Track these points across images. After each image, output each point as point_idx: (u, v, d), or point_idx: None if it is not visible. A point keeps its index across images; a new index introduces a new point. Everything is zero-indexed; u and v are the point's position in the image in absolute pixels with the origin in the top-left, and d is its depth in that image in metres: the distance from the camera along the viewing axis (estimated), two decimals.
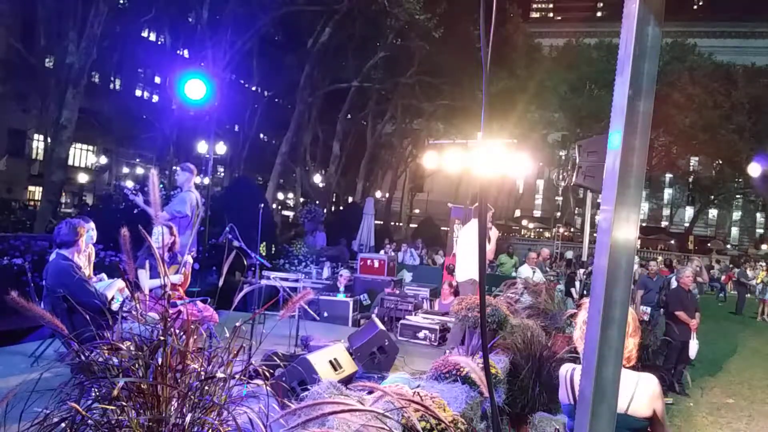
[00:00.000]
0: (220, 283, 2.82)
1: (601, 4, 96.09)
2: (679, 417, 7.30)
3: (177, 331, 2.39)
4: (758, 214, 63.03)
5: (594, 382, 1.50)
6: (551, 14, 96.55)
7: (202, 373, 2.36)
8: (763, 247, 53.93)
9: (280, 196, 40.71)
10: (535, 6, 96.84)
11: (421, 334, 8.12)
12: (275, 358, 4.39)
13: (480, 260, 1.85)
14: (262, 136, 37.16)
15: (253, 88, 32.79)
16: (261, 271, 7.20)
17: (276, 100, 32.26)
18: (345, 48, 25.69)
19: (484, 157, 5.95)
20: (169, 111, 22.66)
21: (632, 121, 1.49)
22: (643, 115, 1.50)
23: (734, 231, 67.34)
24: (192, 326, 2.41)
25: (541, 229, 60.00)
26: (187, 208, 6.82)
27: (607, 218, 1.51)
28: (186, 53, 25.65)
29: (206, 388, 2.37)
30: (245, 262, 7.45)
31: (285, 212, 40.05)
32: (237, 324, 2.57)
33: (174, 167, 16.53)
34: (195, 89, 8.76)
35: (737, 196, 54.78)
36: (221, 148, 24.31)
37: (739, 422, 7.32)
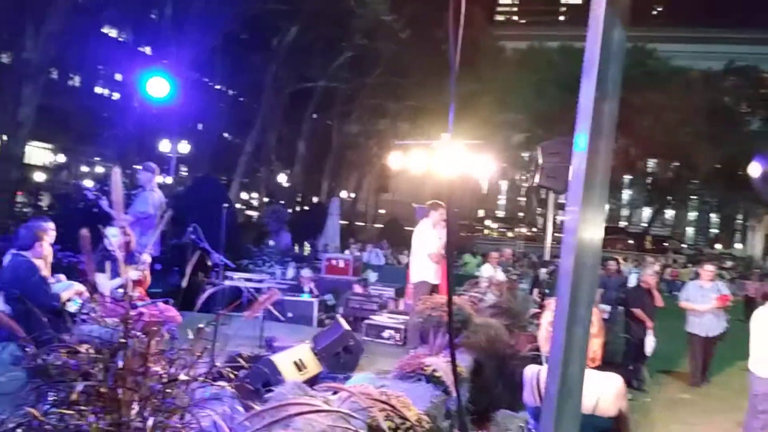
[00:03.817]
0: (184, 283, 2.77)
1: (564, 9, 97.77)
2: (637, 412, 7.45)
3: (138, 333, 2.34)
4: (712, 215, 64.87)
5: (559, 380, 1.52)
6: (515, 17, 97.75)
7: (164, 375, 2.32)
8: (717, 246, 55.60)
9: (245, 195, 40.30)
10: (499, 9, 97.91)
11: (386, 334, 8.12)
12: (239, 360, 4.34)
13: (448, 261, 1.85)
14: (226, 135, 36.70)
15: (218, 87, 32.38)
16: (225, 272, 7.12)
17: (241, 99, 31.96)
18: (311, 48, 25.58)
19: (450, 158, 6.00)
20: (131, 109, 22.22)
21: (598, 123, 1.51)
22: (608, 118, 1.52)
23: (690, 231, 69.27)
24: (154, 328, 2.36)
25: (504, 229, 60.67)
26: (150, 207, 6.70)
27: (573, 219, 1.53)
28: (149, 50, 25.19)
29: (168, 390, 2.32)
30: (209, 263, 7.35)
31: (249, 212, 39.63)
32: (200, 325, 2.53)
33: (135, 166, 16.22)
34: (158, 87, 8.63)
35: (693, 197, 56.36)
36: (184, 147, 23.90)
37: (695, 417, 7.52)
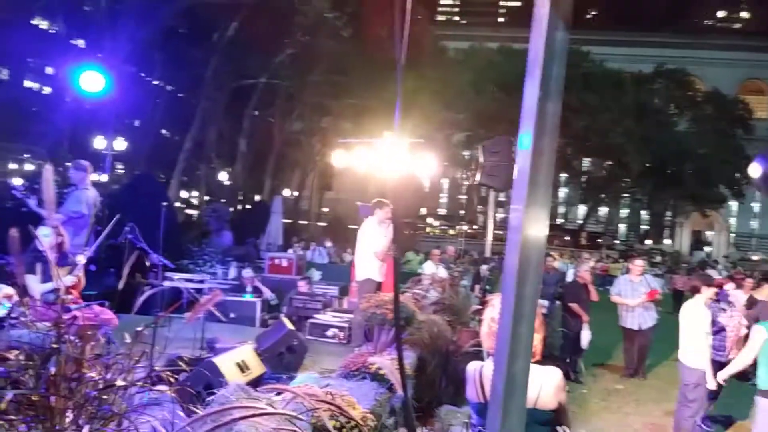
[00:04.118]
0: (120, 285, 2.68)
1: (504, 11, 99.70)
2: (574, 404, 7.68)
3: (72, 337, 2.25)
4: (643, 212, 67.54)
5: (505, 377, 1.54)
6: (456, 18, 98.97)
7: (100, 381, 2.24)
8: (647, 242, 57.96)
9: (184, 194, 39.35)
10: (440, 9, 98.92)
11: (330, 333, 8.09)
12: (179, 363, 4.24)
13: (395, 259, 1.85)
14: (164, 131, 35.70)
15: (156, 82, 31.45)
16: (164, 273, 6.92)
17: (179, 94, 31.12)
18: (252, 43, 25.16)
19: (393, 156, 6.02)
20: (63, 104, 21.31)
21: (542, 122, 1.53)
22: (551, 117, 1.55)
23: (622, 227, 71.94)
24: (88, 332, 2.27)
25: (446, 227, 61.42)
26: (83, 206, 6.45)
27: (518, 217, 1.55)
28: (82, 43, 24.22)
29: (105, 397, 2.24)
30: (147, 263, 7.13)
31: (189, 211, 38.73)
32: (138, 328, 2.45)
33: (68, 164, 15.58)
34: (91, 81, 8.31)
35: (625, 195, 58.55)
36: (120, 144, 23.13)
37: (628, 406, 7.81)
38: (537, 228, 1.56)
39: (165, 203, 8.67)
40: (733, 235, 69.19)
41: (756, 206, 71.23)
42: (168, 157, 28.56)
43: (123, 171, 33.25)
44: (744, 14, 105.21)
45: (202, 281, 8.34)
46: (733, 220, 69.64)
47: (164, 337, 4.19)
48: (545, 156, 1.56)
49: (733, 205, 62.54)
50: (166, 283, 6.75)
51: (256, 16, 23.05)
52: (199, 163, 29.16)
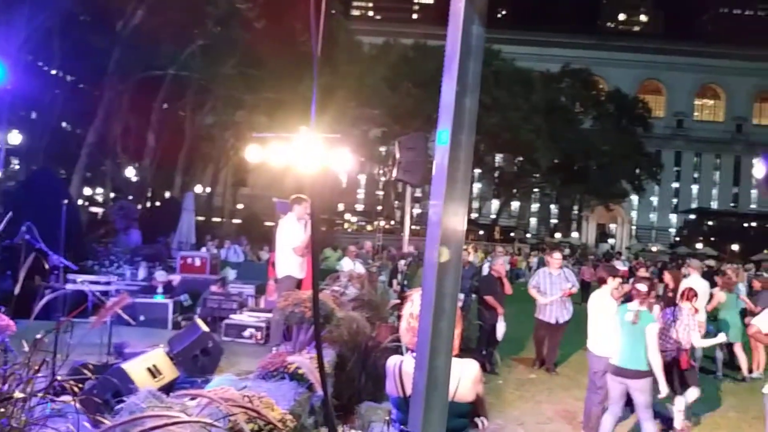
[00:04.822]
0: (17, 289, 2.50)
1: (417, 7, 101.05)
2: (490, 394, 7.89)
3: None
4: (552, 206, 70.57)
5: (427, 372, 1.54)
6: (371, 13, 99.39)
7: None
8: (557, 235, 60.61)
9: (88, 191, 37.43)
10: (355, 4, 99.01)
11: (246, 333, 7.94)
12: (84, 371, 4.01)
13: (313, 256, 1.81)
14: (64, 124, 33.73)
15: (54, 72, 29.66)
16: (66, 275, 6.54)
17: (81, 85, 29.49)
18: (160, 33, 24.16)
19: (310, 151, 5.95)
20: None
21: (459, 117, 1.54)
22: (469, 112, 1.55)
23: (533, 221, 74.88)
24: None
25: (363, 223, 61.76)
26: None
27: (437, 212, 1.55)
28: None
29: (2, 410, 2.08)
30: (46, 265, 6.70)
31: (93, 209, 36.87)
32: (38, 335, 2.29)
33: None
34: None
35: (535, 189, 60.95)
36: (15, 138, 21.69)
37: (541, 395, 8.12)
38: (456, 223, 1.56)
39: (66, 201, 8.18)
40: (635, 227, 73.72)
41: (655, 200, 76.23)
42: (69, 152, 26.98)
43: (19, 167, 31.20)
44: (643, 17, 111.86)
45: (108, 283, 7.94)
46: (634, 214, 74.15)
47: (67, 343, 3.95)
48: (463, 151, 1.56)
49: (635, 199, 66.56)
50: (69, 286, 6.38)
51: (163, 4, 22.16)
52: (103, 158, 27.79)
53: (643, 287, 5.61)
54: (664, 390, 5.54)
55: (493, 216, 62.06)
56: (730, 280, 10.46)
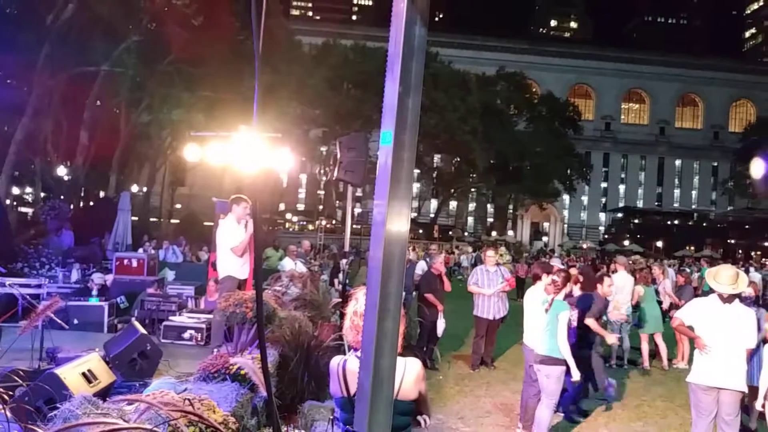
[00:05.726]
0: None
1: (356, 8, 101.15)
2: (431, 390, 8.02)
3: None
4: (489, 206, 71.99)
5: (372, 372, 1.56)
6: (310, 13, 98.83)
7: None
8: (493, 233, 61.90)
9: (16, 190, 35.77)
10: (294, 4, 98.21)
11: (186, 335, 7.78)
12: (15, 377, 3.86)
13: (256, 256, 1.82)
14: None
15: None
16: None
17: (8, 80, 28.08)
18: (92, 28, 23.30)
19: (250, 150, 5.89)
20: None
21: (402, 117, 1.57)
22: (412, 112, 1.59)
23: (470, 220, 76.23)
24: None
25: (305, 222, 61.35)
26: None
27: (381, 212, 1.58)
28: None
29: None
30: None
31: (23, 209, 35.27)
32: None
33: None
34: None
35: (472, 189, 62.08)
36: None
37: (480, 389, 8.30)
38: (399, 222, 1.60)
39: None
40: (566, 225, 76.19)
41: (585, 199, 78.97)
42: None
43: None
44: (573, 24, 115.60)
45: (39, 286, 7.62)
46: (566, 212, 76.62)
47: None
48: (406, 151, 1.60)
49: (566, 198, 68.79)
50: None
51: None
52: (33, 156, 26.55)
53: (557, 279, 5.99)
54: (575, 375, 5.83)
55: (432, 215, 62.82)
56: (647, 275, 11.21)
